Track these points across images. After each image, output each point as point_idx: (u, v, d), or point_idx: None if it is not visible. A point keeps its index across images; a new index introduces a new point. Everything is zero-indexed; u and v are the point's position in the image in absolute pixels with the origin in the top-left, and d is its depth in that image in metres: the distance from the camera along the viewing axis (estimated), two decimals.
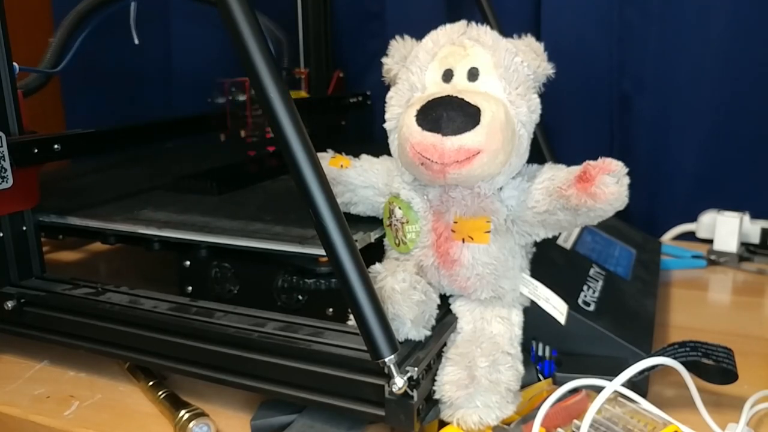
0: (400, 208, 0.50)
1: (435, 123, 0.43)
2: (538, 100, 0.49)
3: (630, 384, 0.46)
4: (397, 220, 0.50)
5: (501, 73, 0.47)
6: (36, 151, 0.57)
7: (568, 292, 0.54)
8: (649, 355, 0.49)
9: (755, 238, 0.84)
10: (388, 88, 0.52)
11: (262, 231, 0.56)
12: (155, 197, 0.70)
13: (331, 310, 0.56)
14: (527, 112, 0.47)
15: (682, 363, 0.47)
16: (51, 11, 1.21)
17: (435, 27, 0.51)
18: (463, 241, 0.48)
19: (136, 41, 0.83)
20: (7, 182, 0.55)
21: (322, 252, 0.51)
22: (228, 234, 0.56)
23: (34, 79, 0.76)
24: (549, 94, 0.51)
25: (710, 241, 0.85)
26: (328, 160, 0.55)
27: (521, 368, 0.47)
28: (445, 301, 0.50)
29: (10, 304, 0.55)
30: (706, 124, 0.87)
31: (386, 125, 0.50)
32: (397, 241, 0.51)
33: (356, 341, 0.44)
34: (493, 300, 0.49)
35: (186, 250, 0.59)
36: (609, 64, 0.89)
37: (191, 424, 0.46)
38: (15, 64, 0.56)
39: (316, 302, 0.56)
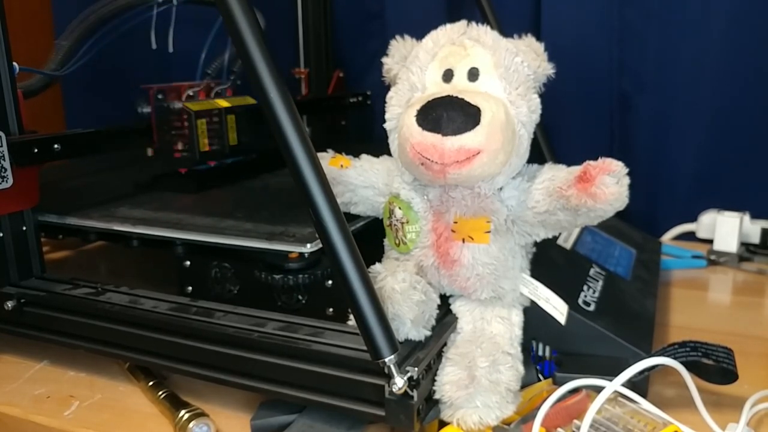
0: (400, 208, 0.50)
1: (435, 123, 0.43)
2: (538, 100, 0.49)
3: (630, 384, 0.46)
4: (397, 220, 0.50)
5: (501, 73, 0.47)
6: (36, 151, 0.57)
7: (568, 292, 0.54)
8: (649, 355, 0.49)
9: (755, 238, 0.84)
10: (388, 88, 0.52)
11: (232, 228, 0.57)
12: (136, 195, 0.71)
13: (331, 310, 0.56)
14: (527, 112, 0.47)
15: (682, 363, 0.47)
16: (51, 11, 1.21)
17: (435, 27, 0.51)
18: (463, 241, 0.48)
19: (154, 46, 0.79)
20: (7, 182, 0.55)
21: (290, 248, 0.52)
22: (199, 231, 0.56)
23: (39, 80, 0.75)
24: (549, 94, 0.51)
25: (710, 241, 0.85)
26: (328, 160, 0.55)
27: (521, 368, 0.47)
28: (445, 301, 0.50)
29: (10, 304, 0.55)
30: (706, 124, 0.87)
31: (386, 125, 0.50)
32: (397, 241, 0.51)
33: (356, 341, 0.44)
34: (493, 300, 0.49)
35: (161, 246, 0.60)
36: (609, 64, 0.89)
37: (191, 424, 0.46)
38: (15, 64, 0.56)
39: (316, 302, 0.56)
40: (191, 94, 0.74)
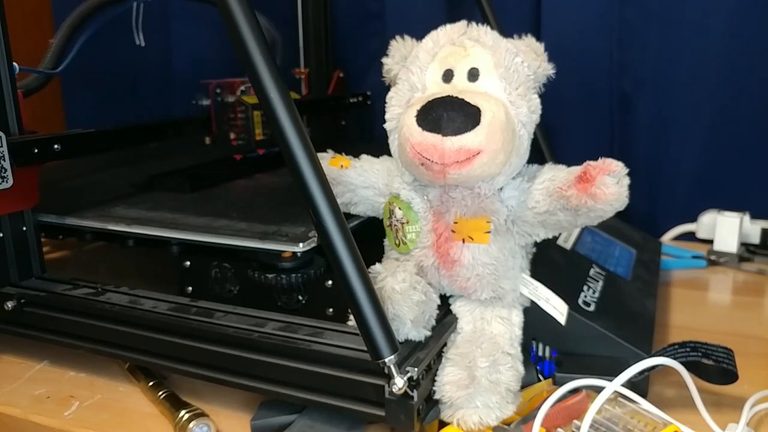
0: (400, 208, 0.50)
1: (435, 123, 0.43)
2: (538, 101, 0.49)
3: (630, 384, 0.46)
4: (397, 220, 0.50)
5: (501, 73, 0.47)
6: (36, 151, 0.57)
7: (568, 292, 0.54)
8: (649, 355, 0.49)
9: (755, 238, 0.84)
10: (388, 88, 0.52)
11: (226, 227, 0.57)
12: (132, 195, 0.71)
13: (331, 310, 0.56)
14: (527, 112, 0.47)
15: (682, 363, 0.47)
16: (51, 11, 1.21)
17: (435, 27, 0.51)
18: (463, 241, 0.48)
19: (140, 42, 0.82)
20: (7, 182, 0.55)
21: (282, 248, 0.52)
22: (193, 230, 0.57)
23: (35, 79, 0.75)
24: (549, 94, 0.51)
25: (710, 242, 0.85)
26: (328, 160, 0.55)
27: (521, 368, 0.47)
28: (445, 301, 0.50)
29: (10, 304, 0.55)
30: (706, 124, 0.87)
31: (386, 125, 0.50)
32: (397, 242, 0.51)
33: (356, 341, 0.44)
34: (493, 300, 0.49)
35: (156, 246, 0.60)
36: (609, 64, 0.89)
37: (191, 424, 0.46)
38: (15, 64, 0.56)
39: (316, 302, 0.56)
40: (243, 89, 0.82)
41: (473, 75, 0.47)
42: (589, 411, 0.43)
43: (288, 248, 0.53)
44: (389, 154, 0.51)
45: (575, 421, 0.44)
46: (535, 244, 0.52)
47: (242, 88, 0.83)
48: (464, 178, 0.45)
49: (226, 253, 0.58)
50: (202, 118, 0.83)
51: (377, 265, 0.49)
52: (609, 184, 0.43)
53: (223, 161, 0.81)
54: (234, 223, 0.58)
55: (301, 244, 0.52)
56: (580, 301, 0.55)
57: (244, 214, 0.61)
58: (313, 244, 0.52)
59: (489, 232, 0.47)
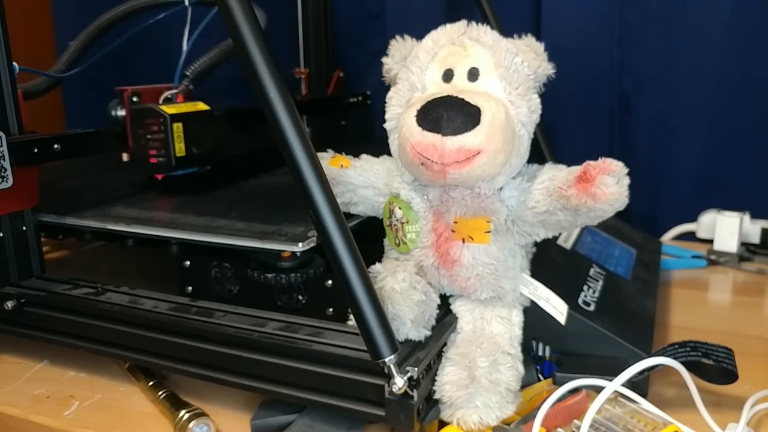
0: (400, 208, 0.50)
1: (435, 123, 0.43)
2: (538, 100, 0.49)
3: (630, 384, 0.46)
4: (397, 220, 0.50)
5: (501, 73, 0.47)
6: (36, 151, 0.57)
7: (568, 292, 0.54)
8: (649, 355, 0.49)
9: (755, 238, 0.84)
10: (388, 88, 0.52)
11: (225, 227, 0.57)
12: (133, 194, 0.71)
13: (331, 310, 0.56)
14: (527, 112, 0.47)
15: (682, 363, 0.47)
16: (51, 11, 1.21)
17: (435, 27, 0.51)
18: (463, 241, 0.48)
19: (185, 49, 0.77)
20: (7, 182, 0.55)
21: (282, 247, 0.52)
22: (193, 230, 0.57)
23: (43, 80, 0.75)
24: (549, 94, 0.51)
25: (710, 241, 0.85)
26: (328, 160, 0.55)
27: (521, 368, 0.47)
28: (445, 301, 0.50)
29: (10, 304, 0.55)
30: (706, 124, 0.87)
31: (386, 125, 0.50)
32: (397, 241, 0.51)
33: (356, 341, 0.44)
34: (493, 300, 0.49)
35: (155, 245, 0.60)
36: (609, 64, 0.89)
37: (191, 424, 0.46)
38: (15, 64, 0.56)
39: (316, 302, 0.56)
40: (169, 96, 0.72)
41: (473, 75, 0.47)
42: (589, 411, 0.43)
43: (287, 248, 0.53)
44: (389, 154, 0.51)
45: (575, 421, 0.44)
46: (535, 244, 0.52)
47: (168, 94, 0.72)
48: (464, 177, 0.45)
49: (226, 253, 0.58)
50: (117, 131, 0.70)
51: (377, 264, 0.49)
52: (609, 183, 0.43)
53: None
54: (233, 222, 0.58)
55: (300, 244, 0.52)
56: (580, 301, 0.55)
57: (244, 214, 0.61)
58: (312, 244, 0.52)
59: (489, 231, 0.47)
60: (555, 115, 0.71)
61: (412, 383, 0.41)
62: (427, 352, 0.44)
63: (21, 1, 1.13)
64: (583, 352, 0.52)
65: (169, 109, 0.65)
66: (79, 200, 0.68)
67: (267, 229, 0.55)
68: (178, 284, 0.62)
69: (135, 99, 0.70)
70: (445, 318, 0.50)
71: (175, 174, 0.68)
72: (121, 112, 0.70)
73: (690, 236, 0.89)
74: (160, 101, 0.71)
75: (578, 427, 0.43)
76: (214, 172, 0.75)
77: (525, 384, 0.48)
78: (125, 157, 0.71)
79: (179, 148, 0.65)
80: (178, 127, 0.65)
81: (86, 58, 0.77)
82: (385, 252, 0.54)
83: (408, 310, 0.44)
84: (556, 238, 0.61)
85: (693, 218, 0.88)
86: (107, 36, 0.80)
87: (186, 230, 0.57)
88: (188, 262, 0.60)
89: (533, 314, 0.51)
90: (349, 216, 0.56)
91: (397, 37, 0.52)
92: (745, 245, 0.84)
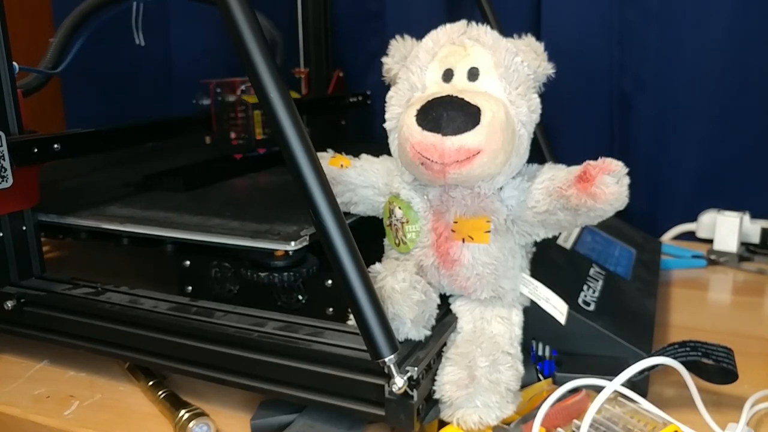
0: (400, 207, 0.50)
1: (435, 123, 0.43)
2: (538, 100, 0.49)
3: (630, 384, 0.46)
4: (397, 219, 0.50)
5: (501, 72, 0.47)
6: (36, 150, 0.57)
7: (568, 292, 0.54)
8: (649, 354, 0.49)
9: (755, 237, 0.84)
10: (388, 87, 0.52)
11: (219, 226, 0.57)
12: (129, 194, 0.71)
13: (331, 310, 0.56)
14: (527, 112, 0.47)
15: (682, 363, 0.47)
16: (51, 11, 1.21)
17: (435, 27, 0.51)
18: (463, 241, 0.48)
19: (139, 42, 0.82)
20: (7, 182, 0.55)
21: (274, 246, 0.52)
22: (186, 229, 0.57)
23: (34, 78, 0.75)
24: (549, 94, 0.51)
25: (710, 241, 0.85)
26: (328, 160, 0.55)
27: (521, 368, 0.47)
28: (445, 301, 0.50)
29: (10, 304, 0.55)
30: (706, 123, 0.87)
31: (386, 125, 0.50)
32: (397, 241, 0.51)
33: (356, 341, 0.44)
34: (493, 300, 0.49)
35: (150, 245, 0.60)
36: (609, 64, 0.89)
37: (191, 424, 0.46)
38: (15, 63, 0.56)
39: (315, 302, 0.56)
40: (244, 88, 0.82)
41: (473, 74, 0.47)
42: (589, 410, 0.43)
43: (279, 247, 0.53)
44: (389, 154, 0.51)
45: (575, 421, 0.44)
46: (535, 243, 0.52)
47: (243, 87, 0.83)
48: (464, 177, 0.45)
49: (225, 253, 0.58)
50: (202, 117, 0.83)
51: (377, 264, 0.49)
52: (609, 183, 0.43)
53: (221, 160, 0.81)
54: (227, 221, 0.58)
55: (292, 243, 0.52)
56: (580, 301, 0.55)
57: (238, 213, 0.61)
58: (305, 243, 0.52)
59: (489, 231, 0.47)
60: (555, 115, 0.71)
61: (412, 383, 0.41)
62: (427, 352, 0.44)
63: (21, 1, 1.13)
64: (583, 351, 0.52)
65: (251, 99, 0.78)
66: (78, 200, 0.68)
67: (260, 228, 0.55)
68: (178, 284, 0.62)
69: (219, 90, 0.81)
70: (445, 318, 0.50)
71: (252, 154, 0.80)
72: (206, 101, 0.82)
73: (690, 236, 0.89)
74: (238, 92, 0.81)
75: (578, 427, 0.43)
76: (215, 170, 0.78)
77: (525, 384, 0.48)
78: (207, 140, 0.83)
79: (258, 132, 0.79)
80: (257, 114, 0.79)
81: (70, 50, 0.78)
82: (385, 252, 0.54)
83: (408, 310, 0.44)
84: (556, 238, 0.61)
85: (693, 218, 0.88)
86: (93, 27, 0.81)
87: (179, 229, 0.57)
88: (188, 262, 0.60)
89: (533, 314, 0.51)
90: (346, 214, 0.56)
91: (397, 36, 0.52)
92: (745, 245, 0.84)
